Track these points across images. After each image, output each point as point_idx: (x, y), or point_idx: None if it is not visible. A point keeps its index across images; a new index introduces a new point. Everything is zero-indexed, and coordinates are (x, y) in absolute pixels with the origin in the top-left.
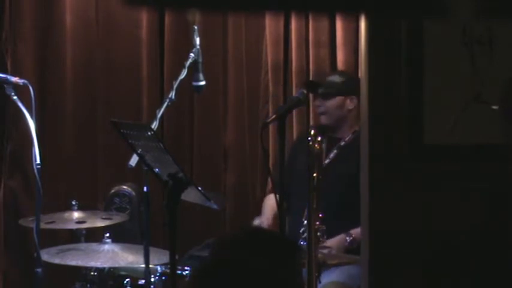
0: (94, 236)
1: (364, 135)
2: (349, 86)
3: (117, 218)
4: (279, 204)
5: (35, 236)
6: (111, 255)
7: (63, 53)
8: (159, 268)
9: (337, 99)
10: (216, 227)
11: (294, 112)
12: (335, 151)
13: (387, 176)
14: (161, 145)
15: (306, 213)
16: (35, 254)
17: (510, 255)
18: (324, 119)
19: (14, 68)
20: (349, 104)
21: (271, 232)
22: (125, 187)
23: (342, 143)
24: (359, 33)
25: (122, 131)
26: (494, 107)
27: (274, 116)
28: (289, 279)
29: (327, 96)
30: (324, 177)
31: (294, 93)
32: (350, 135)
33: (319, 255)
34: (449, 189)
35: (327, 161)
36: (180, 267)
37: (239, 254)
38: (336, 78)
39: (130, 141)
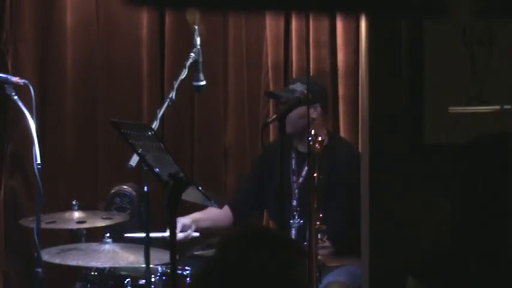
0: (94, 236)
1: (364, 135)
2: (312, 95)
3: (117, 218)
4: (280, 206)
5: (35, 236)
6: (112, 255)
7: (64, 53)
8: (159, 268)
9: (300, 109)
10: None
11: None
12: (306, 168)
13: (387, 176)
14: (161, 145)
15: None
16: (36, 254)
17: (511, 256)
18: (287, 128)
19: (15, 68)
20: (312, 113)
21: (272, 231)
22: (125, 187)
23: None
24: (359, 33)
25: (122, 131)
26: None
27: (274, 116)
28: (291, 278)
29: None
30: (302, 196)
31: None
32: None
33: (319, 256)
34: (449, 189)
35: (300, 180)
36: (180, 267)
37: (240, 253)
38: (297, 87)
39: (130, 141)
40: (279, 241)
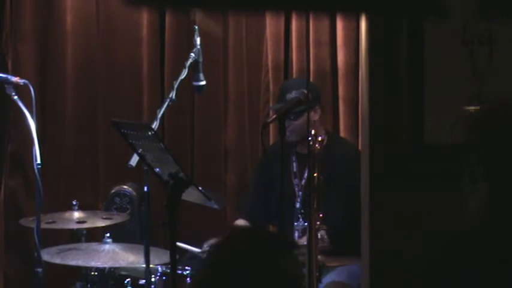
0: (94, 236)
1: (364, 135)
2: (311, 97)
3: (117, 218)
4: (281, 208)
5: (35, 236)
6: (112, 255)
7: (64, 53)
8: (159, 268)
9: (304, 117)
10: (216, 227)
11: None
12: (307, 170)
13: (387, 176)
14: (162, 145)
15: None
16: (36, 254)
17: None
18: (292, 137)
19: (15, 68)
20: (314, 116)
21: (268, 231)
22: (125, 187)
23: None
24: (359, 33)
25: (122, 130)
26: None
27: (274, 116)
28: (295, 276)
29: (294, 116)
30: (305, 198)
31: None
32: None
33: (319, 256)
34: (449, 189)
35: (303, 182)
36: (180, 267)
37: (248, 254)
38: (293, 95)
39: (130, 141)
40: (282, 243)
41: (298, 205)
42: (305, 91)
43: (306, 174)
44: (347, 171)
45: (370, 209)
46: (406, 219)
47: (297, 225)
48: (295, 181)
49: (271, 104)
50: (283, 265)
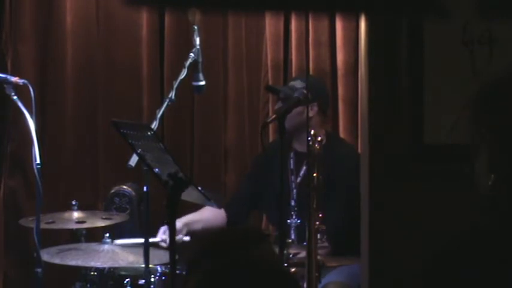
0: (94, 236)
1: (364, 135)
2: (310, 94)
3: (117, 218)
4: (279, 206)
5: (35, 236)
6: (111, 255)
7: (63, 53)
8: (159, 268)
9: (297, 109)
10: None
11: None
12: (304, 167)
13: (387, 176)
14: (161, 145)
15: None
16: (35, 254)
17: (511, 255)
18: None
19: (14, 68)
20: (310, 111)
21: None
22: (124, 187)
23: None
24: (359, 33)
25: (122, 130)
26: None
27: (274, 116)
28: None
29: (287, 101)
30: (299, 195)
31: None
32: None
33: (319, 256)
34: (449, 189)
35: (298, 180)
36: (180, 267)
37: (248, 254)
38: (297, 84)
39: (130, 141)
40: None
41: (292, 202)
42: (305, 89)
43: (302, 172)
44: (347, 171)
45: (370, 209)
46: (406, 219)
47: (290, 222)
48: (291, 178)
49: (270, 104)
50: (282, 265)
